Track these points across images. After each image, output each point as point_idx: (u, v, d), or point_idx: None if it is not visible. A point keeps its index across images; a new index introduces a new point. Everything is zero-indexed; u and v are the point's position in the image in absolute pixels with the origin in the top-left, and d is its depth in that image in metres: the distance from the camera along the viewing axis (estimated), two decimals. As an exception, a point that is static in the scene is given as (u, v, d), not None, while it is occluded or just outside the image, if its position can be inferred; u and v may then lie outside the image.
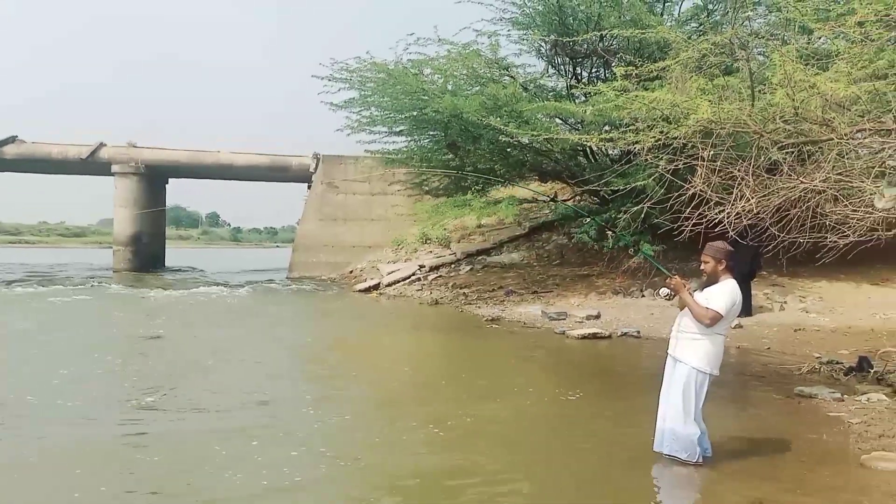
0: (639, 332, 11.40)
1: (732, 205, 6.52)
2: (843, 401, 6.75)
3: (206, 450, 5.25)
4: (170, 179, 33.39)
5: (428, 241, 22.72)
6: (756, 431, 5.92)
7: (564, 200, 19.22)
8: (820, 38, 7.98)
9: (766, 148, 6.74)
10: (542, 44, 16.26)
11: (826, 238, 6.53)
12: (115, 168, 28.05)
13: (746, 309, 11.64)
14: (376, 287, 20.35)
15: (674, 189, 7.39)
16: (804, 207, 6.54)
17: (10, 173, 32.82)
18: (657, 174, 8.01)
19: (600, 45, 14.80)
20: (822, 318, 11.79)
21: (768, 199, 6.56)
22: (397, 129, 18.07)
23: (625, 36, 12.25)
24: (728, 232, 6.44)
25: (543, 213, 21.20)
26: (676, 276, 5.05)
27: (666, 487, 4.70)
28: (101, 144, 28.14)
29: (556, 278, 17.26)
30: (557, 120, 15.83)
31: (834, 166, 6.24)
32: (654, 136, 7.73)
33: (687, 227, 6.95)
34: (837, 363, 8.44)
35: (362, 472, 4.92)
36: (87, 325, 12.48)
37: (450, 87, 15.82)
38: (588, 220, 15.32)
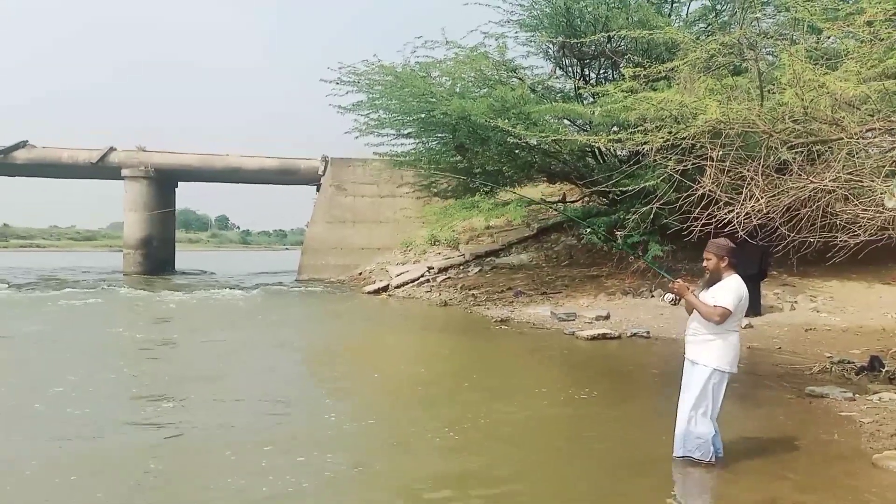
0: (648, 332, 11.38)
1: (742, 205, 6.51)
2: (854, 400, 6.74)
3: (213, 456, 5.18)
4: (179, 183, 33.56)
5: (436, 243, 22.71)
6: (768, 431, 5.91)
7: (573, 202, 19.21)
8: (829, 37, 7.96)
9: (776, 148, 6.73)
10: (550, 45, 16.28)
11: (836, 237, 6.51)
12: (124, 172, 28.24)
13: (756, 309, 11.63)
14: (385, 289, 20.38)
15: (683, 189, 7.40)
16: (814, 207, 6.53)
17: (22, 178, 33.08)
18: (666, 175, 8.00)
19: (608, 46, 14.80)
20: (833, 318, 11.75)
21: (778, 199, 6.55)
22: (405, 132, 18.13)
23: (633, 37, 12.25)
24: (738, 232, 6.43)
25: (552, 214, 21.18)
26: (679, 280, 5.03)
27: (678, 487, 4.69)
28: (111, 149, 28.33)
29: (564, 279, 17.26)
30: (566, 121, 15.83)
31: (844, 166, 6.23)
32: (663, 137, 7.73)
33: (696, 227, 6.95)
34: (849, 363, 8.41)
35: (370, 478, 4.85)
36: (96, 329, 12.48)
37: (458, 90, 15.85)
38: (596, 221, 15.29)
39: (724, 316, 4.69)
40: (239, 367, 9.02)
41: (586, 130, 14.79)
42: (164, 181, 29.78)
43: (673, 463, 4.95)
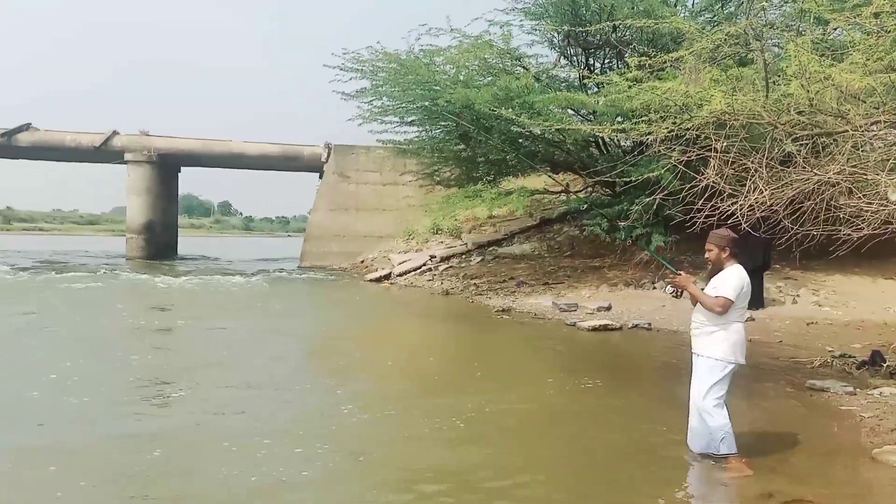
0: (650, 324, 11.37)
1: (746, 196, 6.47)
2: (855, 395, 6.72)
3: (209, 446, 5.11)
4: (182, 168, 33.54)
5: (439, 232, 22.71)
6: (767, 424, 5.91)
7: (577, 192, 19.16)
8: (835, 28, 7.90)
9: (780, 139, 6.69)
10: (555, 34, 16.18)
11: (840, 231, 6.48)
12: (127, 156, 28.21)
13: (760, 302, 11.60)
14: (388, 277, 20.39)
15: (686, 180, 7.35)
16: (818, 200, 6.49)
17: (25, 161, 33.08)
18: (670, 165, 7.95)
19: (613, 35, 14.70)
20: (835, 312, 11.73)
21: (782, 192, 6.51)
22: (409, 119, 18.07)
23: (638, 26, 12.14)
24: (741, 224, 6.39)
25: (555, 204, 21.13)
26: (681, 273, 4.99)
27: (677, 479, 4.67)
28: (115, 132, 28.29)
29: (567, 270, 17.24)
30: (570, 111, 15.75)
31: (848, 158, 6.19)
32: (667, 127, 7.68)
33: (700, 218, 6.91)
34: (850, 357, 8.40)
35: (371, 468, 4.81)
36: (97, 315, 12.45)
37: (462, 78, 15.78)
38: (600, 211, 15.24)
39: (725, 306, 4.65)
40: (242, 354, 8.94)
41: (590, 120, 14.72)
42: (166, 166, 29.75)
43: (674, 454, 4.95)
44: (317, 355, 9.66)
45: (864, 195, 6.17)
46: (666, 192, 7.63)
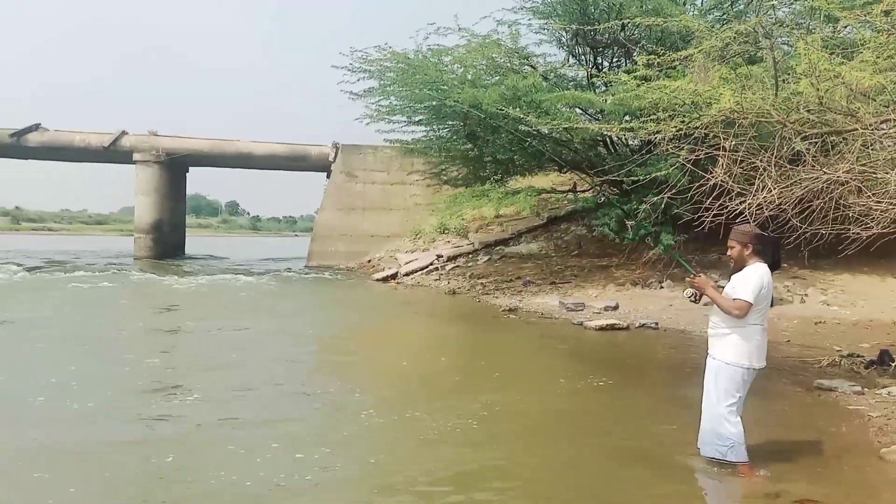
0: (657, 323, 11.35)
1: (754, 195, 6.45)
2: (863, 394, 6.69)
3: (218, 450, 4.99)
4: (190, 168, 33.64)
5: (446, 231, 22.73)
6: (775, 424, 5.88)
7: (584, 191, 19.14)
8: (845, 27, 7.87)
9: (790, 138, 6.66)
10: (563, 33, 16.15)
11: (849, 230, 6.45)
12: (136, 156, 28.31)
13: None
14: (394, 276, 20.41)
15: (695, 179, 7.34)
16: (827, 199, 6.47)
17: (34, 161, 33.22)
18: (678, 164, 7.94)
19: (622, 34, 14.68)
20: (844, 311, 11.67)
21: (791, 190, 6.49)
22: (416, 119, 18.08)
23: (646, 25, 12.13)
24: (749, 222, 6.37)
25: (562, 203, 21.10)
26: (701, 275, 4.79)
27: (685, 481, 4.65)
28: (123, 133, 28.39)
29: (574, 269, 17.22)
30: (577, 110, 15.74)
31: (858, 157, 6.17)
32: (676, 126, 7.68)
33: (708, 217, 6.89)
34: (858, 356, 8.35)
35: (381, 471, 4.74)
36: (104, 315, 12.45)
37: (469, 77, 15.77)
38: (608, 211, 15.22)
39: (742, 309, 4.45)
40: (250, 356, 8.77)
41: (598, 119, 14.69)
42: (175, 166, 29.84)
43: (680, 456, 4.93)
44: (325, 356, 9.57)
45: (873, 194, 6.14)
46: (674, 190, 7.61)
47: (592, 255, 18.33)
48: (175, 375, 7.46)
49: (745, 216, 6.49)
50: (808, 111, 6.64)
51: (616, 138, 14.69)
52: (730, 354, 4.56)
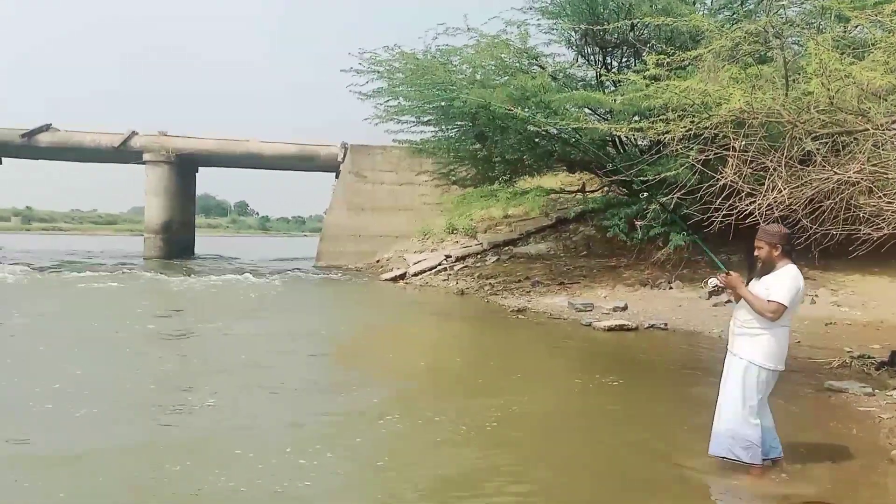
0: (666, 324, 11.32)
1: (764, 196, 6.43)
2: (874, 396, 6.65)
3: (226, 455, 4.88)
4: (200, 168, 33.76)
5: (454, 232, 22.74)
6: (785, 426, 5.82)
7: (593, 191, 19.11)
8: (856, 26, 7.82)
9: (800, 138, 6.63)
10: (572, 33, 16.14)
11: (860, 230, 6.42)
12: (146, 156, 28.42)
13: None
14: (403, 277, 20.42)
15: (704, 179, 7.32)
16: (838, 199, 6.44)
17: (44, 161, 33.41)
18: (688, 164, 7.91)
19: (631, 34, 14.66)
20: (855, 312, 11.61)
21: (801, 191, 6.46)
22: (425, 119, 18.09)
23: (656, 25, 12.12)
24: (759, 223, 6.35)
25: (570, 204, 21.08)
26: (732, 273, 4.65)
27: (692, 481, 4.63)
28: (133, 133, 28.51)
29: (582, 269, 17.19)
30: (586, 110, 15.72)
31: (869, 157, 6.13)
32: (685, 126, 7.65)
33: (717, 218, 6.87)
34: (869, 358, 8.31)
35: (380, 479, 4.62)
36: (113, 316, 12.31)
37: (478, 77, 15.77)
38: (617, 211, 15.18)
39: (778, 312, 4.36)
40: (262, 358, 8.65)
41: (607, 119, 14.67)
42: (184, 166, 29.94)
43: (692, 458, 4.91)
44: (336, 358, 9.50)
45: (884, 194, 6.11)
46: (684, 191, 7.59)
47: (601, 255, 18.29)
48: (184, 378, 7.38)
49: (755, 216, 6.48)
50: (819, 111, 6.61)
51: (625, 138, 14.66)
52: (759, 355, 4.48)
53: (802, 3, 10.68)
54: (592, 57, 17.08)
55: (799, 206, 6.47)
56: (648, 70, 9.20)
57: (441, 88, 15.82)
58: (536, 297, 15.00)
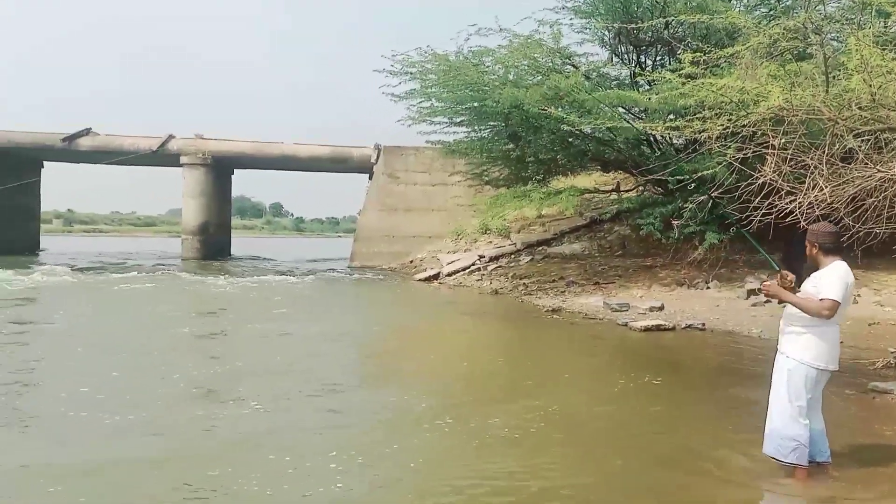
0: (704, 324, 11.19)
1: (805, 194, 6.34)
2: (919, 397, 6.52)
3: (257, 460, 4.78)
4: (235, 170, 34.21)
5: (487, 232, 22.73)
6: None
7: (627, 191, 18.97)
8: (899, 21, 7.68)
9: (841, 135, 6.53)
10: (606, 32, 16.04)
11: (904, 229, 6.31)
12: (183, 159, 28.88)
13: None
14: (436, 277, 20.47)
15: (742, 178, 7.24)
16: (881, 197, 6.33)
17: (85, 165, 34.13)
18: (725, 162, 7.83)
19: (665, 32, 14.52)
20: (898, 312, 11.37)
21: (843, 189, 6.37)
22: (458, 120, 18.11)
23: (691, 22, 11.98)
24: (800, 222, 6.26)
25: (605, 203, 20.95)
26: (784, 273, 4.55)
27: (735, 482, 4.58)
28: (171, 136, 29.00)
29: (618, 269, 17.07)
30: (620, 109, 15.62)
31: (913, 154, 6.02)
32: (722, 124, 7.57)
33: (756, 217, 6.79)
34: (914, 358, 8.14)
35: (413, 484, 4.50)
36: (152, 317, 12.38)
37: (511, 78, 15.75)
38: (652, 210, 15.03)
39: (832, 309, 4.27)
40: (299, 360, 8.60)
41: (642, 118, 14.56)
42: (220, 168, 30.38)
43: (739, 457, 4.89)
44: (371, 360, 9.50)
45: (929, 192, 5.99)
46: (721, 189, 7.51)
47: (636, 255, 18.14)
48: (219, 382, 7.25)
49: (796, 215, 6.39)
50: (861, 108, 6.50)
51: (660, 137, 14.53)
52: (808, 354, 4.42)
53: (842, -1, 10.51)
54: (626, 56, 16.95)
55: (841, 204, 6.38)
56: (684, 68, 9.12)
57: (474, 89, 15.83)
58: (571, 297, 14.93)
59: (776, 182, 6.54)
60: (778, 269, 4.71)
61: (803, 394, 4.44)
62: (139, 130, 29.88)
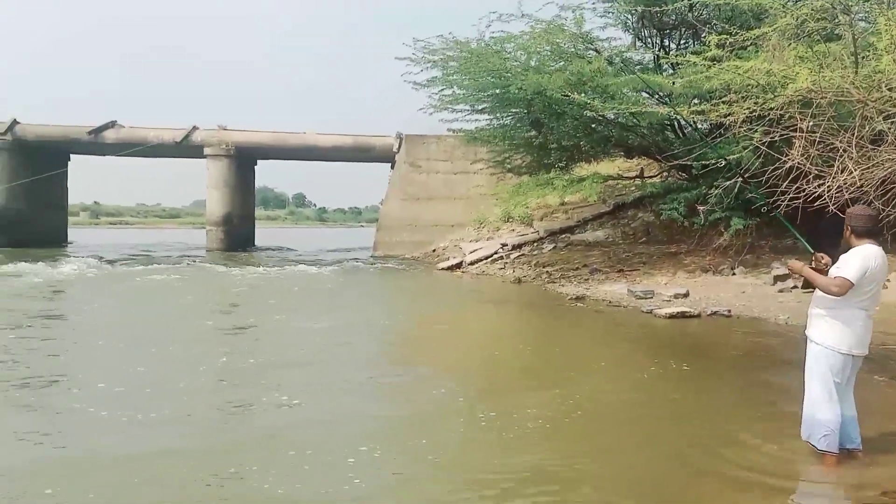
0: (729, 311, 11.08)
1: (834, 178, 6.24)
2: (952, 383, 6.41)
3: (277, 455, 4.68)
4: (258, 161, 34.39)
5: (510, 220, 22.65)
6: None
7: (651, 177, 18.80)
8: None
9: (871, 117, 6.41)
10: (629, 16, 15.88)
11: (936, 212, 6.18)
12: (207, 151, 29.08)
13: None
14: (459, 265, 20.46)
15: (769, 162, 7.13)
16: (912, 180, 6.21)
17: (111, 157, 34.47)
18: (751, 146, 7.72)
19: (690, 14, 14.32)
20: (930, 298, 11.17)
21: (872, 172, 6.25)
22: (480, 108, 18.02)
23: (716, 4, 11.81)
24: (829, 206, 6.16)
25: (629, 190, 20.78)
26: (819, 256, 4.53)
27: (763, 468, 4.53)
28: (195, 128, 29.21)
29: (642, 256, 16.95)
30: (644, 94, 15.46)
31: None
32: (749, 108, 7.47)
33: (784, 201, 6.69)
34: (946, 344, 8.00)
35: (435, 481, 4.37)
36: (178, 309, 12.43)
37: (533, 64, 15.63)
38: (677, 196, 14.88)
39: (842, 286, 4.24)
40: (323, 351, 8.52)
41: (666, 103, 14.40)
42: (243, 159, 30.57)
43: (770, 441, 4.87)
44: (395, 351, 9.43)
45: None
46: (748, 173, 7.40)
47: (661, 241, 18.00)
48: (243, 375, 7.16)
49: (824, 199, 6.29)
50: (891, 89, 6.37)
51: (685, 122, 14.36)
52: (829, 338, 4.41)
53: (871, -23, 10.29)
54: (650, 39, 16.76)
55: (870, 187, 6.26)
56: (709, 51, 8.99)
57: (495, 76, 15.74)
58: (595, 284, 14.86)
59: (804, 166, 6.43)
60: (812, 251, 4.66)
61: (829, 379, 4.41)
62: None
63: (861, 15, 9.54)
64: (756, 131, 7.39)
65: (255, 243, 34.34)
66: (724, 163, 8.71)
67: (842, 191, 6.23)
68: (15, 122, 28.38)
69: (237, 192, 30.16)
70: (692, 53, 11.06)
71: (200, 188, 30.49)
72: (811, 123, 6.51)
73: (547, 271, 17.24)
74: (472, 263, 20.32)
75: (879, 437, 4.98)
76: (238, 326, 10.49)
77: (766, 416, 5.58)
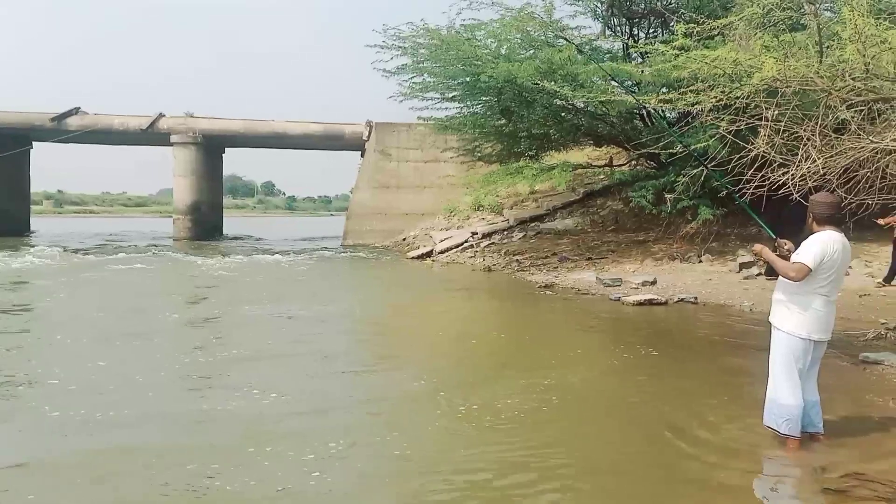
0: (696, 298, 11.22)
1: (797, 166, 6.30)
2: (911, 367, 6.56)
3: (236, 453, 4.50)
4: (226, 149, 34.00)
5: (480, 209, 22.66)
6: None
7: (620, 165, 18.93)
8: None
9: (835, 106, 6.48)
10: (598, 4, 15.94)
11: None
12: (173, 138, 28.70)
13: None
14: (429, 254, 20.45)
15: (735, 151, 7.20)
16: (873, 168, 6.30)
17: (74, 145, 33.82)
18: (718, 135, 7.79)
19: (658, 3, 14.42)
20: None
21: (835, 160, 6.33)
22: (450, 96, 17.99)
23: (684, -6, 11.90)
24: (793, 194, 6.23)
25: (598, 178, 20.91)
26: (781, 242, 4.62)
27: (727, 453, 4.60)
28: (161, 115, 28.79)
29: (610, 244, 17.09)
30: (613, 83, 15.55)
31: (906, 125, 5.99)
32: (716, 96, 7.52)
33: (749, 189, 6.76)
34: (905, 329, 8.19)
35: (401, 478, 4.23)
36: (144, 300, 12.13)
37: (503, 52, 15.63)
38: (645, 184, 15.00)
39: (799, 271, 4.31)
40: (292, 342, 8.38)
41: (635, 91, 14.49)
42: (211, 147, 30.22)
43: (735, 426, 4.94)
44: (366, 341, 9.29)
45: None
46: (714, 162, 7.47)
47: (629, 229, 18.16)
48: (210, 368, 6.94)
49: (788, 187, 6.36)
50: (854, 78, 6.45)
51: (653, 110, 14.47)
52: (790, 323, 4.47)
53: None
54: (619, 28, 16.86)
55: (833, 175, 6.34)
56: (677, 40, 9.05)
57: (466, 64, 15.71)
58: (564, 272, 14.94)
59: (769, 154, 6.49)
60: (774, 237, 4.74)
61: (791, 364, 4.48)
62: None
63: (826, 5, 9.67)
64: (723, 120, 7.44)
65: (224, 232, 34.02)
66: (691, 150, 8.78)
67: (805, 179, 6.29)
68: (-27, 109, 27.74)
69: (205, 181, 29.82)
70: (661, 42, 11.14)
71: (167, 177, 30.14)
72: (776, 112, 6.57)
73: (517, 260, 17.31)
74: (442, 252, 20.33)
75: (842, 420, 5.08)
76: (205, 318, 10.25)
77: (732, 400, 5.67)
